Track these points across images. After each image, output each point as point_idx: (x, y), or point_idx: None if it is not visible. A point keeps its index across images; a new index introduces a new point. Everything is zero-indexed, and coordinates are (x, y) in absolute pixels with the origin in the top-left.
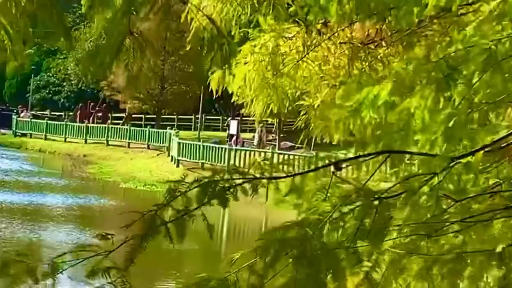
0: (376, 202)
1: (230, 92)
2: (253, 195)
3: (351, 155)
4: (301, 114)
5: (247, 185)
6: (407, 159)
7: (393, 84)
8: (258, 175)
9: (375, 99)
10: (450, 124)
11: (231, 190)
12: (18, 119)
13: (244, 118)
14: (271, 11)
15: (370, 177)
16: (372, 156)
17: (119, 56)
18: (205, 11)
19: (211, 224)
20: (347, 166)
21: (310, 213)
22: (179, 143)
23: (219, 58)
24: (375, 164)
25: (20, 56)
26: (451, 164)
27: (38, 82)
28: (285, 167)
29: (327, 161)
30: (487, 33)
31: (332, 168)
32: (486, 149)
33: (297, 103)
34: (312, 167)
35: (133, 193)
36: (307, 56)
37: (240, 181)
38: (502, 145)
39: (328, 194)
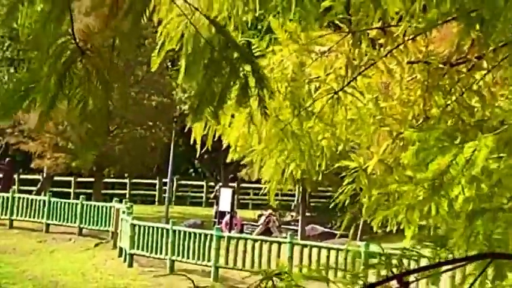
0: None
1: (225, 143)
2: None
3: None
4: (345, 182)
5: None
6: None
7: (497, 138)
8: None
9: (468, 166)
10: None
11: None
12: None
13: (244, 185)
14: (293, 6)
15: None
16: (465, 262)
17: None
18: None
19: None
20: (418, 280)
21: None
22: (133, 226)
23: (239, 94)
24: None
25: None
26: None
27: None
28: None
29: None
30: None
31: (394, 282)
32: None
33: (337, 164)
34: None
35: None
36: (353, 83)
37: None
38: None
39: None
